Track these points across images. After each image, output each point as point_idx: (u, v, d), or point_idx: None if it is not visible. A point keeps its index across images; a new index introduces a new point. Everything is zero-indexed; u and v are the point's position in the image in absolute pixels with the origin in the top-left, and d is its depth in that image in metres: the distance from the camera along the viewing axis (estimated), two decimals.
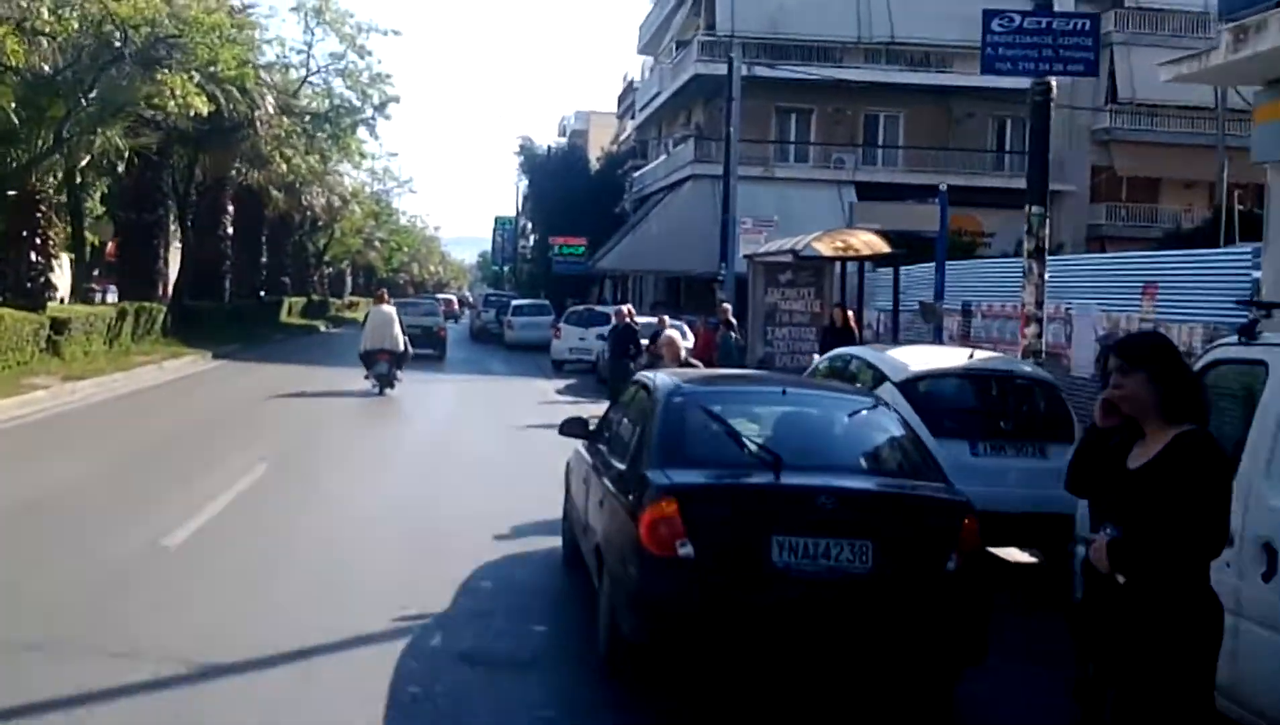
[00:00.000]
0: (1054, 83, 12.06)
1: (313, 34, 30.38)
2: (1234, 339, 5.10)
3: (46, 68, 18.11)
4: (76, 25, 17.57)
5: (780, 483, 5.13)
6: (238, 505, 9.33)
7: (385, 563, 7.79)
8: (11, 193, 18.88)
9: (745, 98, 27.80)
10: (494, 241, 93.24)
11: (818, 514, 5.02)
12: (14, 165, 18.64)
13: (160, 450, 12.13)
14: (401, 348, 18.97)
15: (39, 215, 19.14)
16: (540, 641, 6.29)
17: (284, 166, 31.70)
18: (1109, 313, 13.62)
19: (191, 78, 21.06)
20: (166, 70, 19.78)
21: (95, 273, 32.88)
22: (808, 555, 4.93)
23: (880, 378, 8.40)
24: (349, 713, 5.09)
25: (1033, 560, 8.62)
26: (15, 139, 18.38)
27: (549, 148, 53.51)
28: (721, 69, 35.63)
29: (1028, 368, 8.87)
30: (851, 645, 5.00)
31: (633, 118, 53.23)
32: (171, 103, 20.12)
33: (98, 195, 30.90)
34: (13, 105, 17.68)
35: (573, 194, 46.25)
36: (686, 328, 20.85)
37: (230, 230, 34.61)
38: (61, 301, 27.17)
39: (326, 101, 30.64)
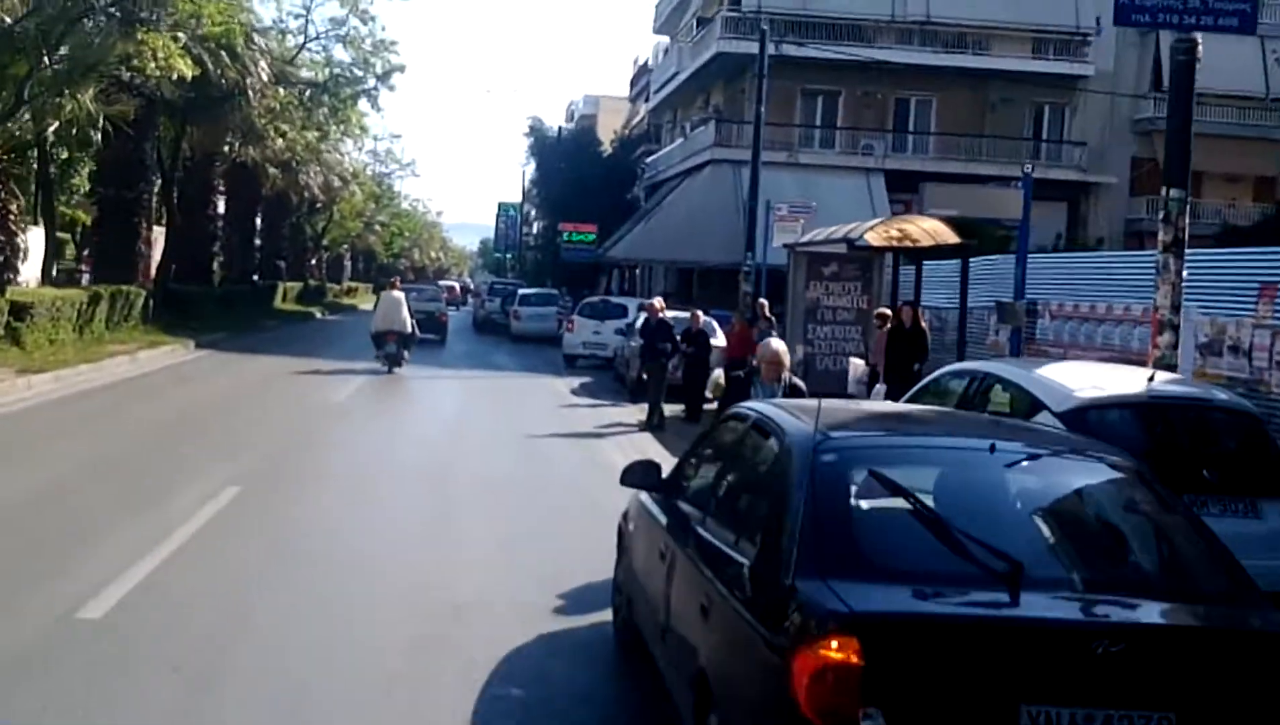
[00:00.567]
0: (1199, 39, 9.97)
1: None
2: None
3: (7, 19, 16.02)
4: None
5: (1027, 614, 3.12)
6: (189, 554, 7.29)
7: (376, 653, 5.74)
8: None
9: (770, 78, 25.69)
10: (496, 228, 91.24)
11: (1093, 668, 3.00)
12: None
13: (107, 468, 9.99)
14: (409, 330, 20.34)
15: None
16: None
17: (279, 142, 29.61)
18: (1213, 317, 11.67)
19: (176, 39, 19.00)
20: (146, 28, 17.71)
21: (86, 253, 30.76)
22: None
23: (1034, 405, 6.38)
24: None
25: None
26: None
27: (560, 129, 51.33)
28: (746, 47, 33.68)
29: (1224, 396, 6.81)
30: None
31: (646, 101, 51.05)
32: (152, 65, 18.06)
33: (86, 171, 28.83)
34: None
35: (584, 178, 44.13)
36: (716, 324, 18.74)
37: (221, 210, 32.51)
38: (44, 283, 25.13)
39: (326, 71, 28.45)
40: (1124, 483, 3.82)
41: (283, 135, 27.68)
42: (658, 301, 15.80)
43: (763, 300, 18.69)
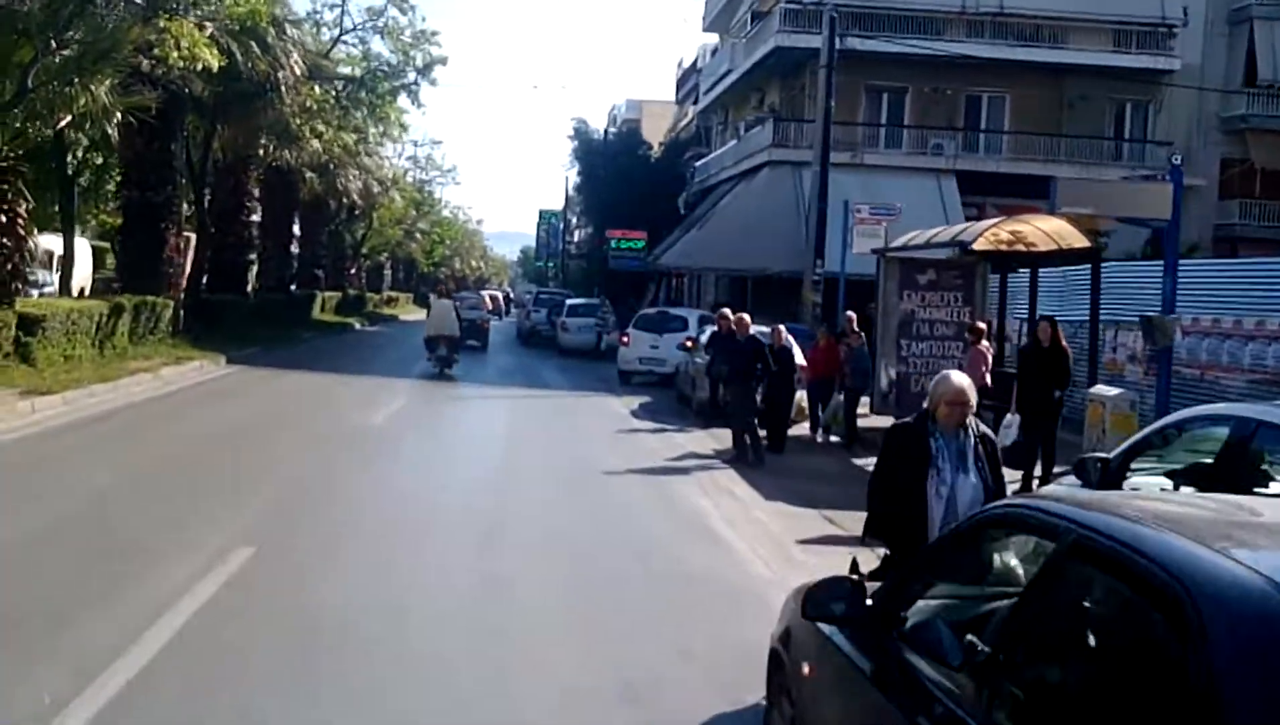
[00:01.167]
0: None
1: None
2: None
3: None
4: None
5: None
6: (181, 653, 5.44)
7: None
8: None
9: (835, 72, 23.66)
10: (538, 236, 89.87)
11: None
12: None
13: (90, 524, 7.97)
14: (458, 333, 22.31)
15: (3, 187, 15.40)
16: None
17: (316, 144, 28.05)
18: None
19: (202, 27, 17.38)
20: (166, 14, 16.09)
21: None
22: None
23: None
24: None
25: None
26: None
27: (606, 131, 49.48)
28: (805, 41, 31.66)
29: None
30: None
31: (695, 102, 49.13)
32: (175, 54, 16.43)
33: (119, 175, 27.41)
34: None
35: (631, 183, 42.24)
36: (792, 340, 16.60)
37: (257, 217, 31.00)
38: (82, 293, 23.69)
39: (363, 65, 26.78)
40: None
41: (319, 136, 26.05)
42: (744, 316, 13.76)
43: (850, 312, 16.65)
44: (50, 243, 25.35)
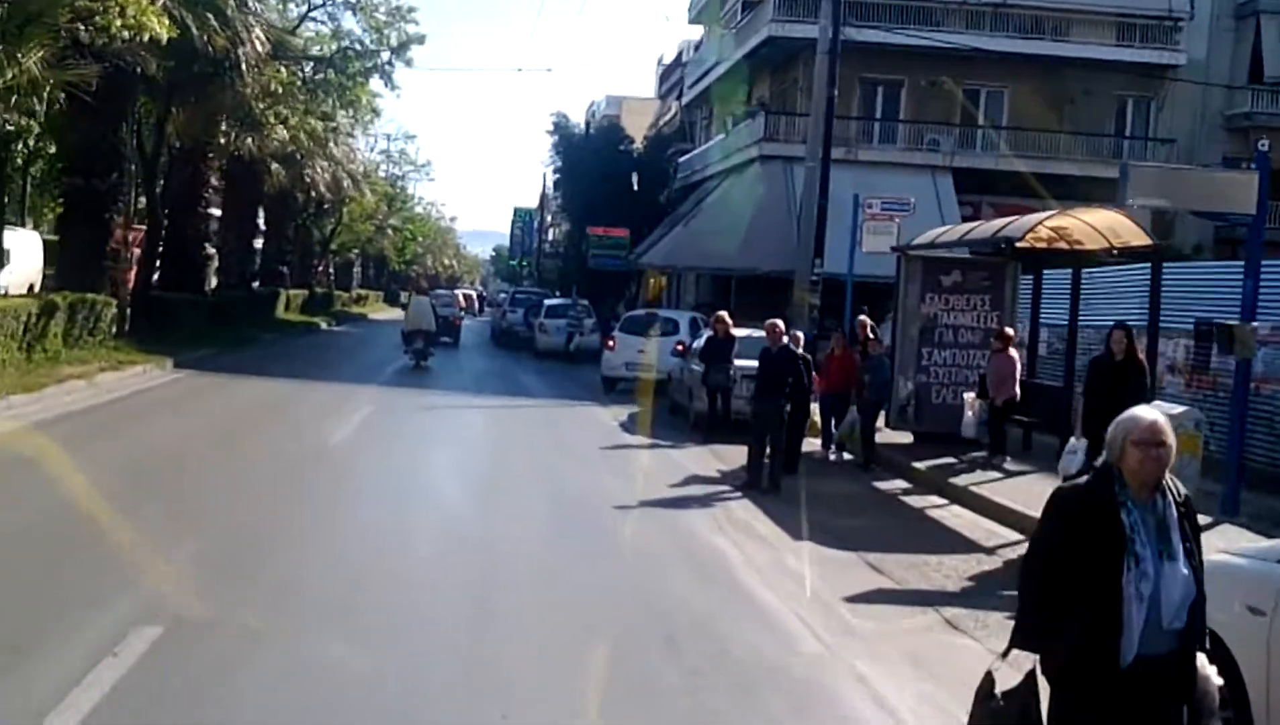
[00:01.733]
0: None
1: None
2: None
3: None
4: None
5: None
6: None
7: None
8: None
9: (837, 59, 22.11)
10: (512, 234, 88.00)
11: None
12: None
13: None
14: (435, 328, 24.05)
15: None
16: None
17: (281, 131, 26.22)
18: None
19: None
20: None
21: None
22: None
23: None
24: None
25: None
26: None
27: (587, 125, 47.77)
28: (800, 30, 30.18)
29: None
30: None
31: (679, 97, 47.52)
32: (117, 22, 14.67)
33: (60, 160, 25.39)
34: None
35: (612, 179, 40.57)
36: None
37: (216, 210, 29.10)
38: (31, 290, 21.73)
39: (333, 43, 24.87)
40: None
41: (284, 122, 24.20)
42: (778, 323, 11.96)
43: (863, 317, 15.09)
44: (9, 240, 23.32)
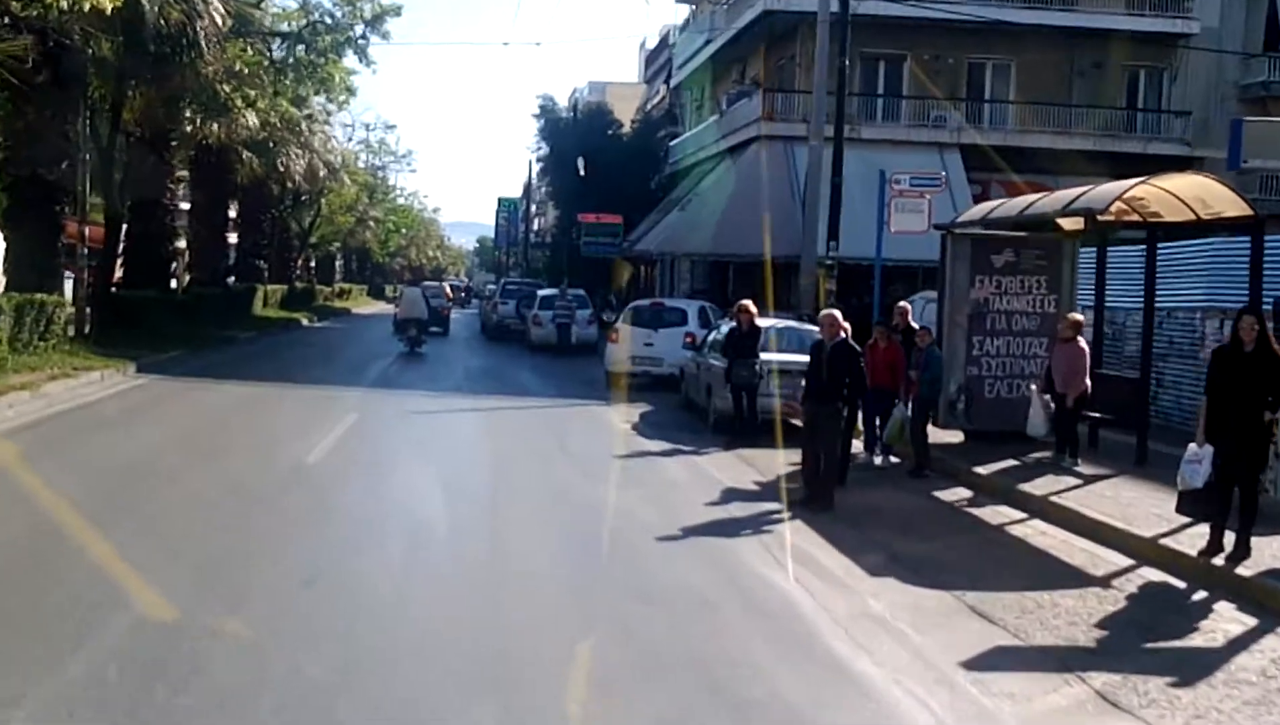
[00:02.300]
0: None
1: None
2: None
3: None
4: None
5: None
6: None
7: None
8: None
9: (820, 39, 20.54)
10: (496, 224, 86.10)
11: None
12: None
13: None
14: (426, 317, 25.37)
15: None
16: None
17: (250, 117, 24.45)
18: None
19: None
20: None
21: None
22: None
23: None
24: None
25: None
26: None
27: (574, 108, 45.99)
28: (798, 3, 28.66)
29: None
30: None
31: (667, 80, 45.82)
32: None
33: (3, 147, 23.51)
34: None
35: (601, 164, 38.92)
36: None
37: (184, 202, 27.29)
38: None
39: (302, 19, 23.06)
40: None
41: (251, 105, 22.43)
42: (835, 313, 10.25)
43: (903, 304, 13.54)
44: None
